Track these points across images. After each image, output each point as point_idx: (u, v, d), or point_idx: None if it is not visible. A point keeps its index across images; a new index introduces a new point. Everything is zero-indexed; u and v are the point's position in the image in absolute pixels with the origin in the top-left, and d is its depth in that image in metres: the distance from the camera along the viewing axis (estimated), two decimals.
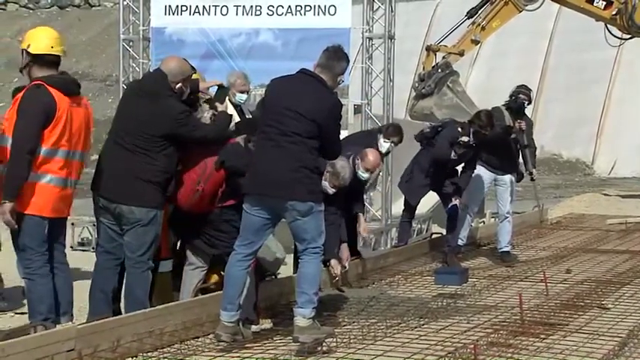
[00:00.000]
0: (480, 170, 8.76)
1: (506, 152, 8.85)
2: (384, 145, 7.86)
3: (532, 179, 9.75)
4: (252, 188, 5.39)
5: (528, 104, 9.05)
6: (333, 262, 6.78)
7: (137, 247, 5.64)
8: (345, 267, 7.00)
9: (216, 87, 6.54)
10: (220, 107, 6.02)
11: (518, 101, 8.85)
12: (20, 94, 5.36)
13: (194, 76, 6.21)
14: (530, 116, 9.80)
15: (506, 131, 8.73)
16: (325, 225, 6.40)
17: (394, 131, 7.95)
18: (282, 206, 5.30)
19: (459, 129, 8.34)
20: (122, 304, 5.86)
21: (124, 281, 5.81)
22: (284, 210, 5.31)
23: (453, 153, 8.23)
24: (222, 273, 5.86)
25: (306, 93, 5.33)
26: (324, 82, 5.38)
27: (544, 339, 5.68)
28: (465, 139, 8.20)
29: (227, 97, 7.20)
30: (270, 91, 5.57)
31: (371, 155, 7.09)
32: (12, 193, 5.20)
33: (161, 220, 5.73)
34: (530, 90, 9.17)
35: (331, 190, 6.26)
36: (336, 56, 5.42)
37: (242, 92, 7.01)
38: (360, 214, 7.63)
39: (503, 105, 8.97)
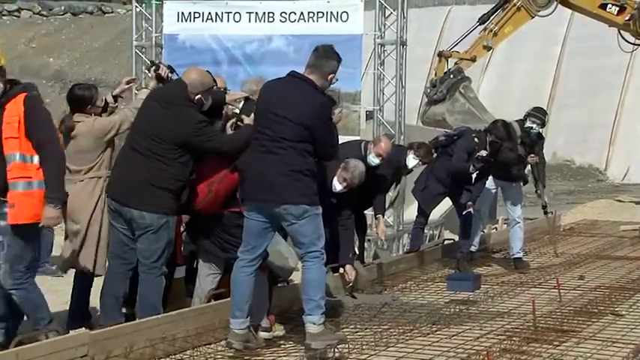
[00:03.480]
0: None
1: (513, 170, 8.84)
2: (412, 161, 7.89)
3: (545, 213, 9.72)
4: (248, 194, 5.39)
5: (542, 127, 8.97)
6: (348, 267, 6.75)
7: (150, 253, 5.65)
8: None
9: (243, 100, 6.55)
10: (247, 120, 6.02)
11: (532, 135, 8.81)
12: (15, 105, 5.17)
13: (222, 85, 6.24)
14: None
15: (519, 161, 8.71)
16: (340, 230, 6.37)
17: (425, 152, 7.97)
18: (277, 211, 5.28)
19: (475, 139, 8.32)
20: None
21: (138, 287, 5.82)
22: (279, 214, 5.29)
23: (472, 167, 8.23)
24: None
25: (292, 96, 5.29)
26: (313, 83, 5.31)
27: (557, 346, 5.65)
28: (483, 153, 8.19)
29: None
30: (260, 96, 5.56)
31: (384, 142, 7.21)
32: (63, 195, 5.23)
33: (174, 226, 5.74)
34: (545, 114, 9.05)
35: (339, 187, 6.21)
36: (325, 55, 5.36)
37: None
38: (381, 217, 7.63)
39: (519, 122, 8.88)
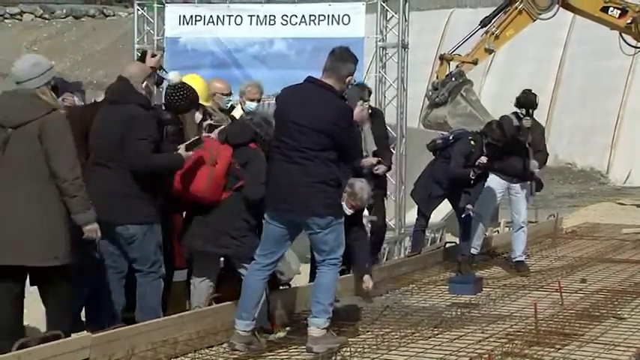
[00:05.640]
0: (493, 179, 8.73)
1: (520, 159, 8.77)
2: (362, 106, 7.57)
3: (531, 175, 9.38)
4: (271, 202, 5.40)
5: (534, 109, 8.95)
6: (366, 277, 6.72)
7: (143, 260, 5.58)
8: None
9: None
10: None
11: (530, 97, 8.78)
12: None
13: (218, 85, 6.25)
14: (544, 125, 9.70)
15: (516, 132, 8.60)
16: (353, 243, 6.43)
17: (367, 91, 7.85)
18: (302, 221, 5.33)
19: (472, 141, 8.32)
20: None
21: (137, 291, 5.76)
22: (304, 224, 5.34)
23: (472, 173, 8.22)
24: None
25: (311, 104, 5.28)
26: (331, 88, 5.31)
27: (559, 349, 5.66)
28: (483, 160, 8.19)
29: (240, 105, 7.26)
30: (278, 104, 5.56)
31: (357, 109, 7.12)
32: None
33: (159, 230, 5.65)
34: (535, 96, 9.05)
35: (349, 211, 6.29)
36: (341, 58, 5.37)
37: (252, 100, 7.08)
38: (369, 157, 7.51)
39: (513, 113, 8.87)
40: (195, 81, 6.63)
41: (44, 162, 4.93)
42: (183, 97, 6.05)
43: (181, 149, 5.63)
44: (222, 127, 6.25)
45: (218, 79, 7.47)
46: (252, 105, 7.02)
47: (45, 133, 4.92)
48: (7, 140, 4.94)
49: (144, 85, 5.68)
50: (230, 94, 7.28)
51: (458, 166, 8.30)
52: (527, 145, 8.75)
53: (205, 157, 5.77)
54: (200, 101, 6.53)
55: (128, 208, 5.49)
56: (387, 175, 8.49)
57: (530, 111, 8.74)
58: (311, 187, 5.22)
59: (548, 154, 9.25)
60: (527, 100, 8.73)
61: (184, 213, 6.18)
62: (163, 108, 6.09)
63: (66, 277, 5.09)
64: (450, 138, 8.62)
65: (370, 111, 7.83)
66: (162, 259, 5.69)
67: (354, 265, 6.84)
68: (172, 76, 6.22)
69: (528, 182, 8.93)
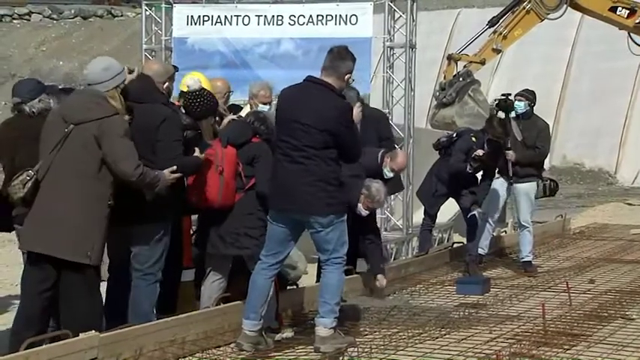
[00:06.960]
0: (498, 179, 8.72)
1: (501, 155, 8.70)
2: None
3: (540, 175, 9.15)
4: (274, 202, 5.41)
5: (531, 106, 8.90)
6: (380, 276, 6.88)
7: (145, 258, 5.51)
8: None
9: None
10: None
11: (508, 101, 8.78)
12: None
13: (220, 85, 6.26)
14: (552, 125, 9.65)
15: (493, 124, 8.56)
16: (366, 244, 6.47)
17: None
18: (304, 220, 5.34)
19: (473, 138, 8.33)
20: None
21: (131, 294, 5.60)
22: (306, 223, 5.35)
23: (468, 166, 8.21)
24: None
25: (312, 103, 5.30)
26: (331, 87, 5.33)
27: (567, 350, 5.65)
28: (480, 152, 8.18)
29: (249, 106, 7.27)
30: (279, 104, 5.57)
31: (400, 157, 7.18)
32: None
33: (169, 230, 5.61)
34: (528, 92, 8.98)
35: (365, 212, 6.32)
36: (339, 56, 5.38)
37: (265, 104, 7.08)
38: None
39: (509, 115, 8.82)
40: (201, 81, 6.63)
41: (94, 163, 5.06)
42: (203, 104, 6.03)
43: (197, 152, 5.65)
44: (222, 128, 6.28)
45: (219, 79, 7.48)
46: (264, 108, 7.04)
47: (101, 135, 5.04)
48: (67, 135, 5.09)
49: (165, 86, 5.68)
50: (230, 92, 7.36)
51: (457, 161, 8.32)
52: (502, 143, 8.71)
53: (212, 165, 5.77)
54: None
55: (150, 208, 5.41)
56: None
57: (510, 114, 8.75)
58: (312, 186, 5.23)
59: (544, 153, 9.09)
60: (505, 104, 8.75)
61: (191, 215, 6.20)
62: (183, 112, 6.08)
63: (93, 279, 5.11)
64: (454, 136, 8.63)
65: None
66: (163, 261, 5.58)
67: (369, 267, 6.90)
68: (191, 82, 6.21)
69: (534, 183, 8.90)
